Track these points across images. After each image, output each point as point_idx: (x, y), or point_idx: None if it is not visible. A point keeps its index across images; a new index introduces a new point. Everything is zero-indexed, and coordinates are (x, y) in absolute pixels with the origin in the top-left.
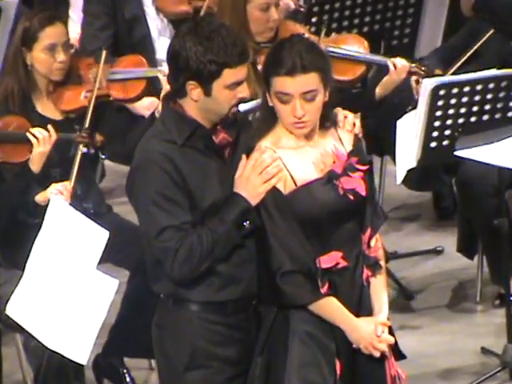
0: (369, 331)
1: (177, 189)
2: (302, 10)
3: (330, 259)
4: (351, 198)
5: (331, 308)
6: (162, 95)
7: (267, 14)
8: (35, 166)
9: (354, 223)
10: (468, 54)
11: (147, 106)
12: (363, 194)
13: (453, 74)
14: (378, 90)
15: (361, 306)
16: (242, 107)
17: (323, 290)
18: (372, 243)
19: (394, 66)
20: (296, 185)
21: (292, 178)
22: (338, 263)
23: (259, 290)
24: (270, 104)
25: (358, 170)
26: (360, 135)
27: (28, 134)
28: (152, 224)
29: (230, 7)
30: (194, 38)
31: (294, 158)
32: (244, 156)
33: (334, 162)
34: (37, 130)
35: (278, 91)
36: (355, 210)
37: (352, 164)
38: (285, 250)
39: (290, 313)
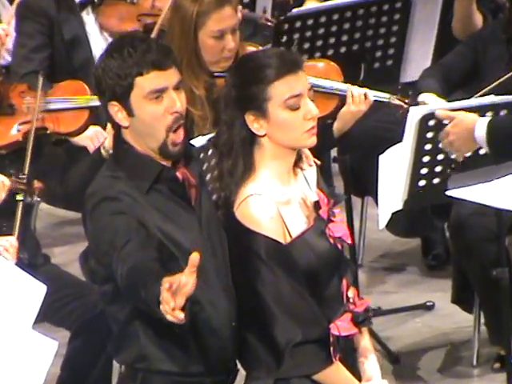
0: None
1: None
2: (269, 24)
3: (349, 326)
4: (340, 247)
5: (339, 375)
6: (107, 130)
7: (222, 42)
8: None
9: (337, 277)
10: (494, 85)
11: (90, 135)
12: (349, 241)
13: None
14: (337, 125)
15: (354, 367)
16: (198, 142)
17: (336, 359)
18: (350, 294)
19: (352, 95)
20: (291, 236)
21: (287, 228)
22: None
23: (249, 361)
24: (257, 131)
25: (335, 213)
26: (318, 163)
27: None
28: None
29: (178, 33)
30: (108, 55)
31: (283, 205)
32: None
33: (316, 206)
34: None
35: (287, 97)
36: (342, 260)
37: (331, 208)
38: (294, 318)
39: (289, 382)
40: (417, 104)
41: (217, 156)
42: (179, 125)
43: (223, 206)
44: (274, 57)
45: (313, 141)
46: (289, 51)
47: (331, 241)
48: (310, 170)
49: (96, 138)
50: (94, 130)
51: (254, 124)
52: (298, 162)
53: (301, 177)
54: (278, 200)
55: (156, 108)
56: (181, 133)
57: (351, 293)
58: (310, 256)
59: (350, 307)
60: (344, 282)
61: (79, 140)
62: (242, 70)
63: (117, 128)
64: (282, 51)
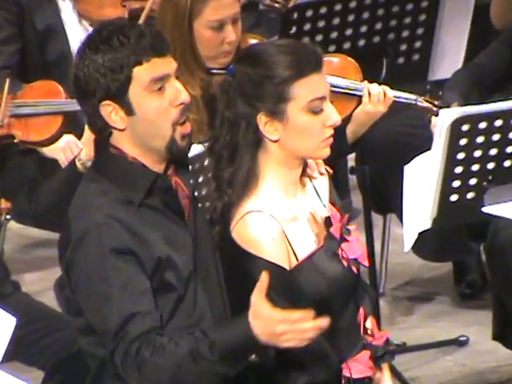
0: None
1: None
2: (276, 5)
3: (363, 368)
4: (355, 270)
5: None
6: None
7: (221, 33)
8: None
9: (353, 306)
10: None
11: (62, 146)
12: (366, 264)
13: None
14: (350, 127)
15: None
16: (193, 150)
17: None
18: (368, 325)
19: (369, 93)
20: (297, 259)
21: (292, 249)
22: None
23: None
24: (270, 135)
25: (350, 230)
26: (331, 171)
27: None
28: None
29: (170, 23)
30: (92, 48)
31: (288, 222)
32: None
33: (328, 223)
34: None
35: (311, 99)
36: (358, 286)
37: (344, 224)
38: (299, 355)
39: None
40: (448, 106)
41: (214, 161)
42: (186, 117)
43: (219, 221)
44: (294, 50)
45: (327, 152)
46: (309, 44)
47: (345, 263)
48: (321, 179)
49: (69, 150)
50: (66, 139)
51: (267, 127)
52: (305, 170)
53: (310, 188)
54: (281, 217)
55: (159, 102)
56: (188, 124)
57: (369, 323)
58: (320, 282)
59: (368, 340)
60: (361, 311)
61: (50, 152)
62: (255, 62)
63: (101, 132)
64: (302, 44)
